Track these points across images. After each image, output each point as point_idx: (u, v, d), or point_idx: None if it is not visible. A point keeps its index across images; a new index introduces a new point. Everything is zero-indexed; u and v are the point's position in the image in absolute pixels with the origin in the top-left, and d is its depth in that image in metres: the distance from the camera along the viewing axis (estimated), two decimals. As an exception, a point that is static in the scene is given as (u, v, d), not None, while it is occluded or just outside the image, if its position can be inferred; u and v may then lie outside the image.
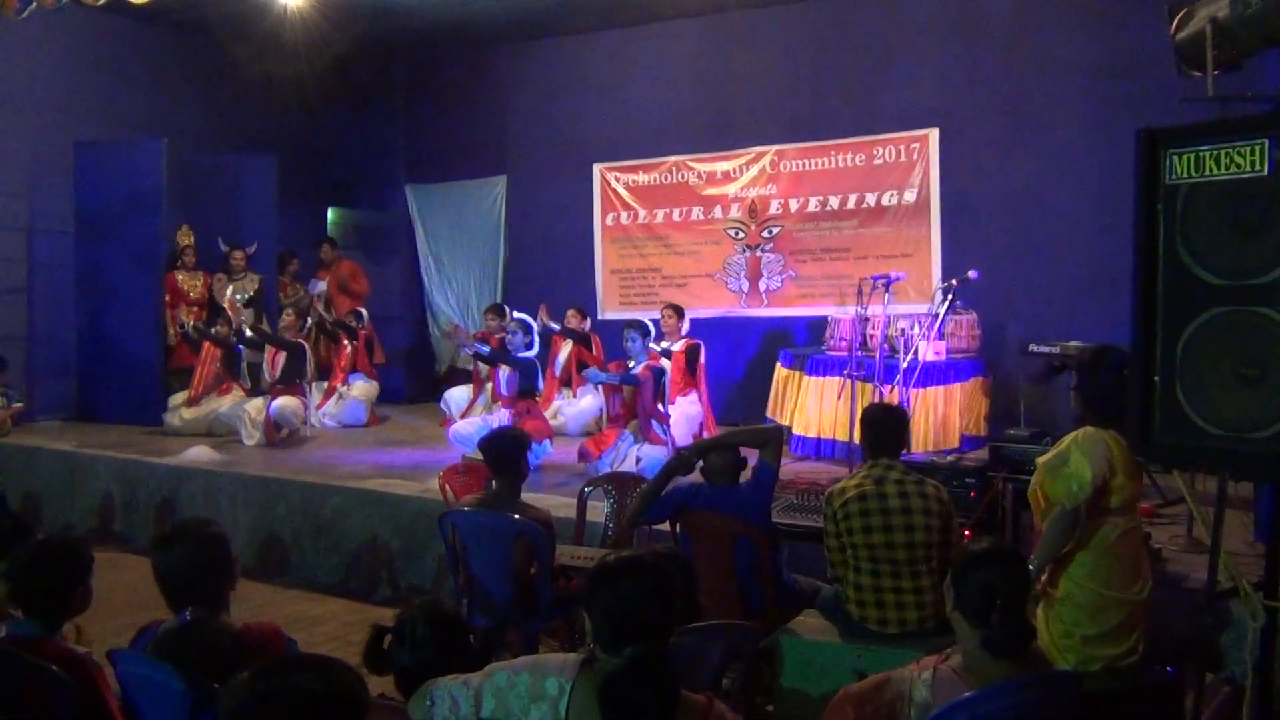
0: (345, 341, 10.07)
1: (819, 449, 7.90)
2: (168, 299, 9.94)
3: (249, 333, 9.22)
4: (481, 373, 8.97)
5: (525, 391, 7.99)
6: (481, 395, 8.86)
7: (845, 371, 7.43)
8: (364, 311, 10.45)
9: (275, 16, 9.31)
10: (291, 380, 8.98)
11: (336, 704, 1.79)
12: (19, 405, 9.24)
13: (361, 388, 10.10)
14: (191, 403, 9.31)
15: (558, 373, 9.32)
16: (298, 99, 11.28)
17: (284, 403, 8.82)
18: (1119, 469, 3.51)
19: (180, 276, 10.03)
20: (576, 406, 9.13)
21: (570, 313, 9.53)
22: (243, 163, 10.65)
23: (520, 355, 8.00)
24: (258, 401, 8.91)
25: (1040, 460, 3.68)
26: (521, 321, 8.24)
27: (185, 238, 10.15)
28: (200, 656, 2.63)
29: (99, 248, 9.92)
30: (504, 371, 8.09)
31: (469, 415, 8.61)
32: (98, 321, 10.03)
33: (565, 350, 9.44)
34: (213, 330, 9.38)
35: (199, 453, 8.05)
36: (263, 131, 11.42)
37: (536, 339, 8.30)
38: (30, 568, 2.88)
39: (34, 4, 7.03)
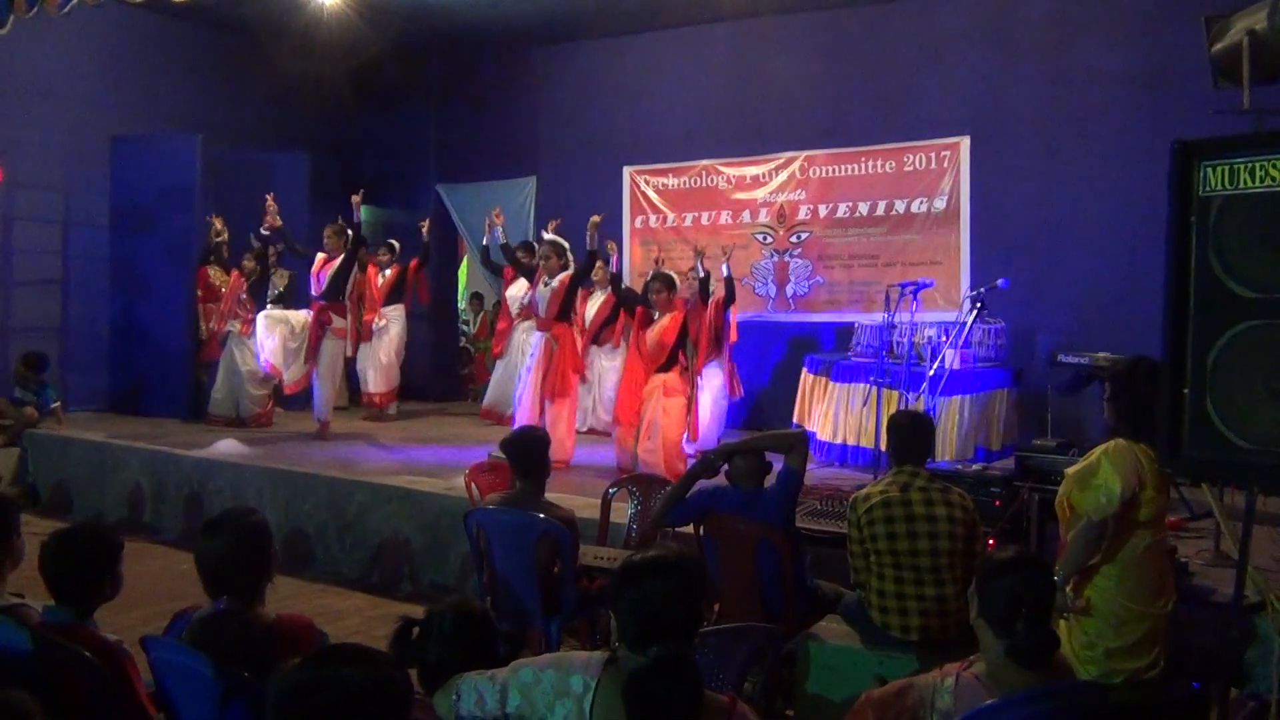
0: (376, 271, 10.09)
1: (844, 455, 7.90)
2: (200, 294, 10.03)
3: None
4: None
5: (564, 315, 7.98)
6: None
7: (871, 378, 7.42)
8: (395, 245, 10.34)
9: (311, 16, 9.41)
10: (335, 296, 9.02)
11: (383, 698, 1.81)
12: (56, 404, 9.38)
13: (397, 321, 10.11)
14: (211, 334, 9.65)
15: (587, 325, 8.91)
16: (331, 98, 11.38)
17: (323, 390, 8.97)
18: (1148, 482, 3.50)
19: (212, 271, 10.12)
20: (612, 361, 8.80)
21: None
22: (276, 160, 10.74)
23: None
24: (300, 315, 9.07)
25: (1069, 471, 3.67)
26: (553, 244, 8.18)
27: (219, 234, 10.21)
28: (231, 646, 2.67)
29: (133, 241, 10.07)
30: (541, 294, 8.03)
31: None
32: (131, 314, 10.17)
33: (595, 303, 8.99)
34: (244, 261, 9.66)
35: (228, 445, 8.13)
36: (296, 129, 11.52)
37: (570, 260, 8.17)
38: (61, 555, 2.92)
39: (74, 0, 7.11)
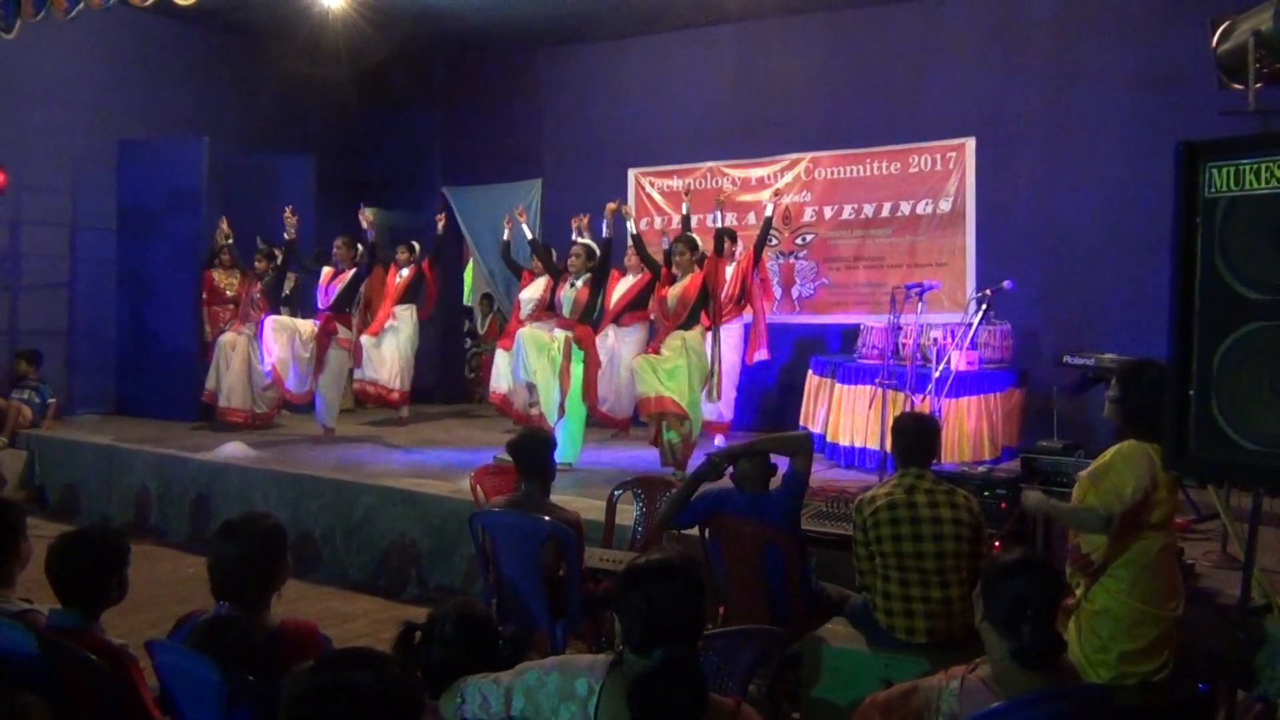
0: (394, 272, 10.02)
1: (850, 457, 7.88)
2: (205, 296, 10.05)
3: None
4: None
5: (586, 317, 7.93)
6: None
7: (877, 380, 7.40)
8: (416, 245, 10.23)
9: (317, 19, 9.43)
10: (343, 308, 9.05)
11: (395, 703, 1.81)
12: (53, 401, 9.40)
13: (409, 321, 10.01)
14: (216, 321, 9.67)
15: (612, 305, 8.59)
16: (337, 100, 11.41)
17: (325, 396, 8.99)
18: (1161, 483, 3.50)
19: (217, 274, 10.14)
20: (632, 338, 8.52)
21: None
22: (282, 162, 10.77)
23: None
24: (308, 325, 9.06)
25: (1082, 474, 3.67)
26: (586, 246, 8.10)
27: (227, 236, 10.20)
28: (233, 650, 2.67)
29: (140, 244, 10.11)
30: (566, 295, 7.97)
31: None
32: (137, 317, 10.21)
33: (625, 285, 8.65)
34: (254, 264, 9.65)
35: (234, 449, 8.14)
36: (302, 132, 11.55)
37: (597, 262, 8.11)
38: (68, 558, 2.92)
39: (82, 4, 7.13)
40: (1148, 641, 3.51)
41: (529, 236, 8.90)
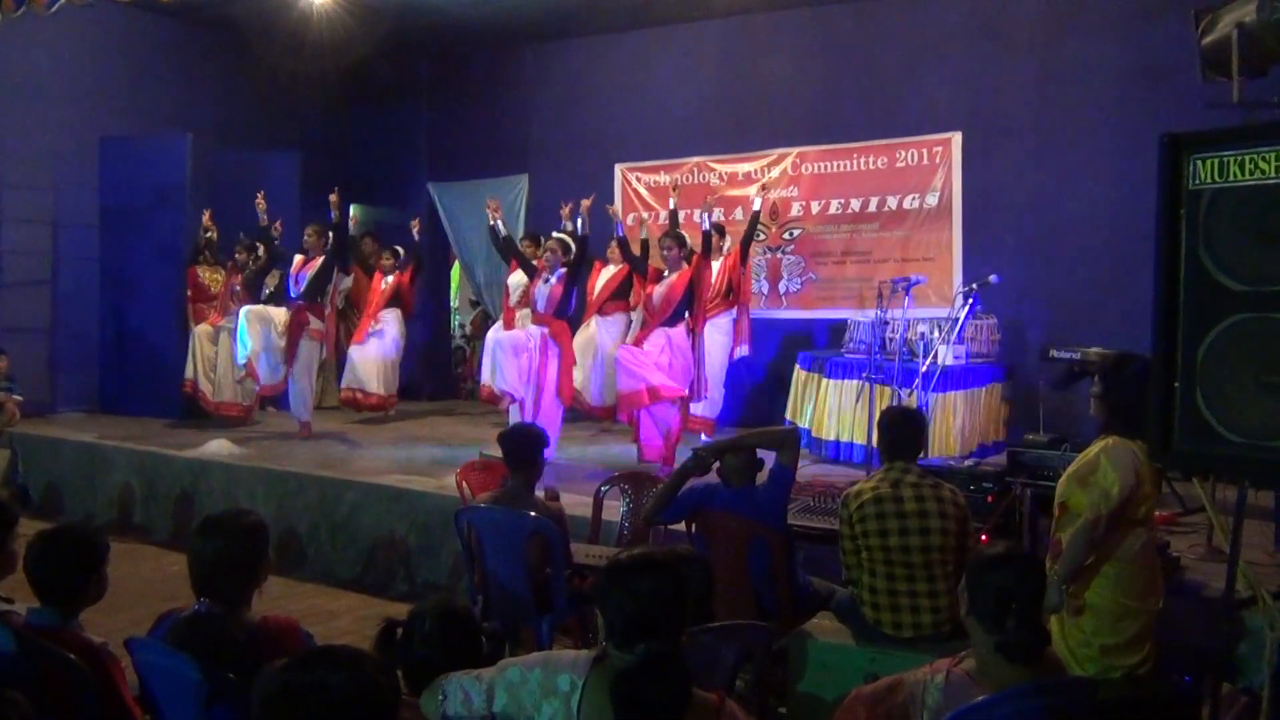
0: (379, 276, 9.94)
1: (837, 452, 7.89)
2: (190, 293, 9.98)
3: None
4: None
5: (561, 312, 7.89)
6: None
7: (864, 375, 7.41)
8: (400, 251, 10.11)
9: (301, 14, 9.38)
10: (314, 298, 8.95)
11: (367, 703, 1.79)
12: (19, 398, 9.28)
13: (394, 324, 9.92)
14: (201, 318, 9.54)
15: (595, 295, 8.62)
16: (322, 96, 11.36)
17: (299, 387, 8.93)
18: (1145, 479, 3.50)
19: (202, 271, 10.06)
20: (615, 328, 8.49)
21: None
22: (267, 159, 10.70)
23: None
24: (283, 313, 8.94)
25: (1068, 473, 3.66)
26: (560, 241, 8.07)
27: (207, 229, 10.09)
28: (213, 647, 2.65)
29: (123, 242, 10.03)
30: (541, 291, 7.91)
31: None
32: (120, 315, 10.14)
33: (607, 274, 8.69)
34: (235, 255, 9.56)
35: (218, 446, 8.10)
36: (287, 128, 11.49)
37: (573, 258, 8.06)
38: (46, 556, 2.89)
39: (62, -1, 7.09)
40: (1130, 635, 3.52)
41: (503, 234, 8.79)
